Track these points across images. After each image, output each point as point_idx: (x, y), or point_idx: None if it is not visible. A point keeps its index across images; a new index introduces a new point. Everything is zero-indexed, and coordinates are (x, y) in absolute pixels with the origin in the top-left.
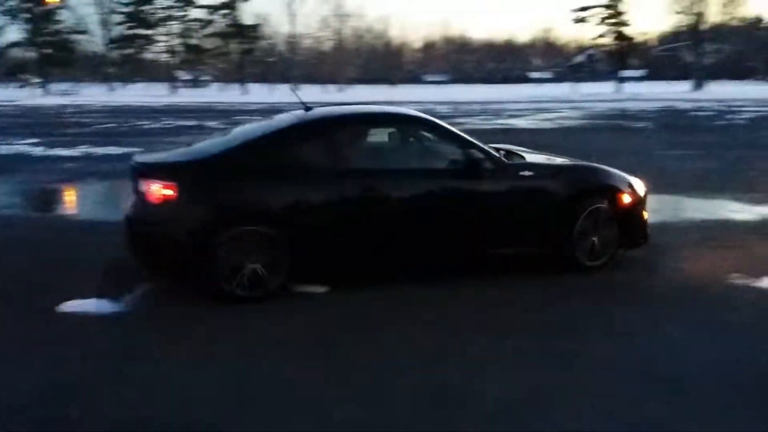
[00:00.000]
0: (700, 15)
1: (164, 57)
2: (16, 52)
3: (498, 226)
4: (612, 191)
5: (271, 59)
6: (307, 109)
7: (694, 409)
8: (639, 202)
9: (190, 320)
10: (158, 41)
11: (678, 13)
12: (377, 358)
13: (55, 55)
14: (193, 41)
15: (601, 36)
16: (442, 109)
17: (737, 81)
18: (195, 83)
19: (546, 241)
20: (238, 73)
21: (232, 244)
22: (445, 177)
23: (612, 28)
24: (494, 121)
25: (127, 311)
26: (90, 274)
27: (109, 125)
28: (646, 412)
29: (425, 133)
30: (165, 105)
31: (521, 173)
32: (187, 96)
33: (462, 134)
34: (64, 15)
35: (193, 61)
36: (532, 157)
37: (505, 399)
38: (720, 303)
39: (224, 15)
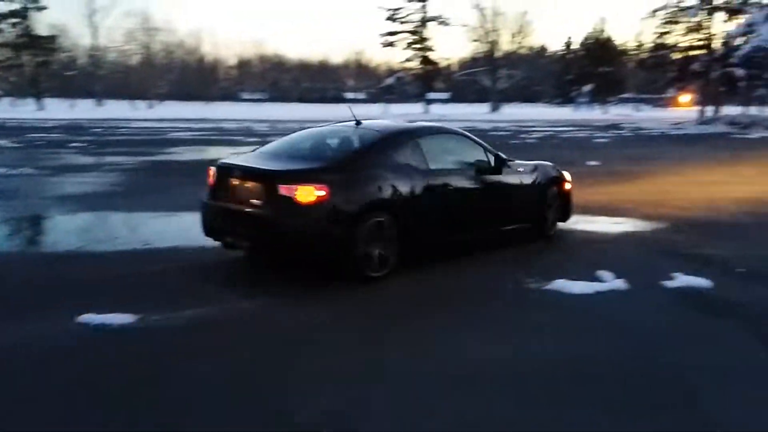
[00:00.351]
0: (494, 43)
1: None
2: None
3: (509, 208)
4: (560, 180)
5: (70, 73)
6: (358, 122)
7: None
8: (570, 189)
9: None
10: None
11: (474, 41)
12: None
13: None
14: None
15: (408, 60)
16: (260, 127)
17: (528, 104)
18: None
19: (529, 218)
20: (33, 87)
21: (367, 233)
22: (484, 173)
23: (418, 53)
24: None
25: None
26: None
27: None
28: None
29: (463, 142)
30: None
31: (518, 169)
32: None
33: (484, 143)
34: None
35: None
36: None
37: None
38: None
39: (14, 24)
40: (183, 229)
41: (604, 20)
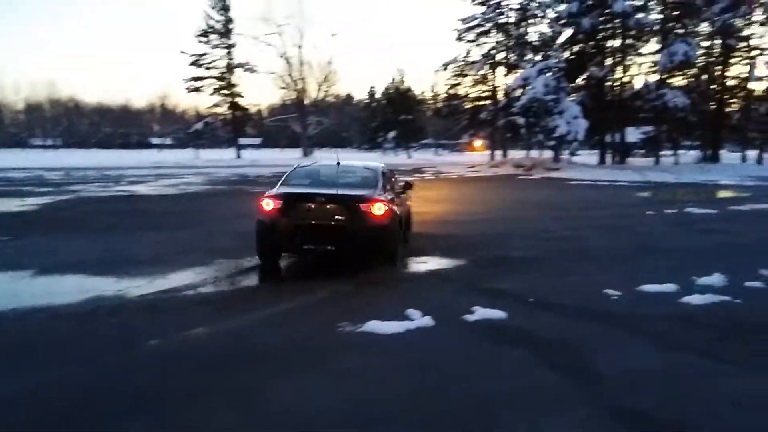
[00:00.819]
0: (302, 91)
1: None
2: None
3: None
4: (409, 185)
5: None
6: (338, 162)
7: None
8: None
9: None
10: None
11: (282, 88)
12: None
13: None
14: None
15: (216, 105)
16: (53, 176)
17: (339, 149)
18: None
19: None
20: None
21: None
22: (404, 190)
23: (226, 98)
24: (114, 188)
25: None
26: None
27: None
28: None
29: (392, 174)
30: None
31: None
32: None
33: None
34: None
35: None
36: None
37: None
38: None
39: None
40: None
41: (402, 71)
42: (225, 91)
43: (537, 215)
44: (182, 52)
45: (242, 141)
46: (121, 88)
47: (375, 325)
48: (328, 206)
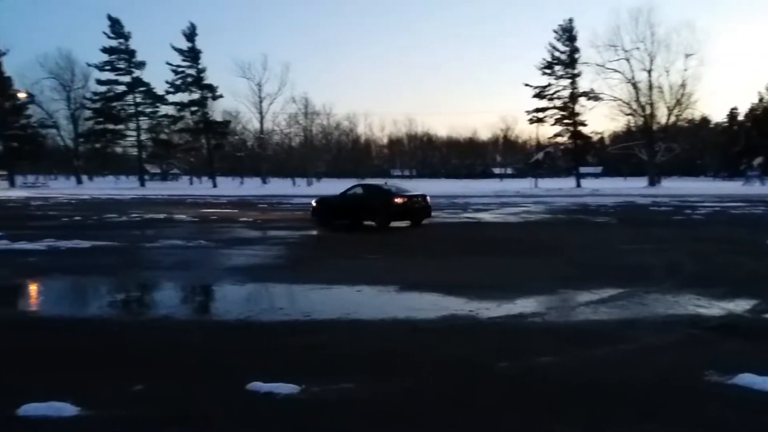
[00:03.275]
0: (650, 116)
1: (133, 151)
2: None
3: None
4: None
5: (240, 154)
6: (386, 183)
7: None
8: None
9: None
10: (128, 136)
11: (628, 114)
12: None
13: (23, 149)
14: (163, 136)
15: (558, 135)
16: None
17: (690, 177)
18: (164, 176)
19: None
20: (208, 167)
21: None
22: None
23: (567, 127)
24: (462, 215)
25: None
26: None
27: (76, 218)
28: None
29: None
30: (134, 197)
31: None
32: (157, 189)
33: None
34: (32, 110)
35: (162, 155)
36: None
37: None
38: None
39: (193, 112)
40: (339, 302)
41: None
42: (567, 121)
43: None
44: (526, 84)
45: (582, 170)
46: (467, 121)
47: (749, 379)
48: (414, 200)
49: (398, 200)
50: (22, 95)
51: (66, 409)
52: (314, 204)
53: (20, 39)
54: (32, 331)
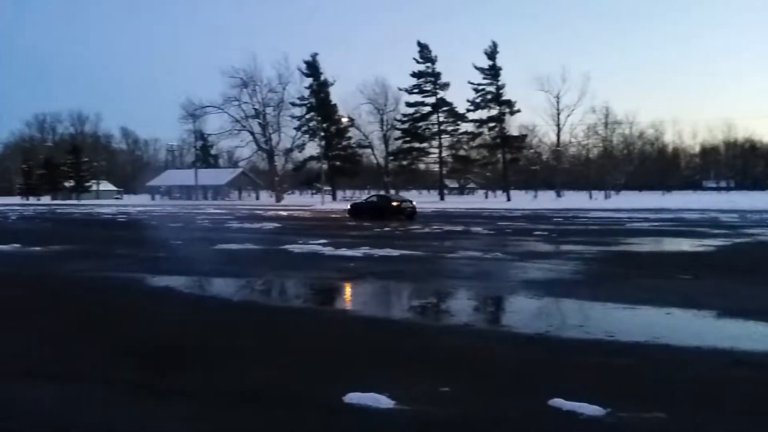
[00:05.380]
0: None
1: (435, 167)
2: (312, 165)
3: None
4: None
5: (534, 167)
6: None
7: None
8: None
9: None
10: (430, 153)
11: None
12: None
13: (344, 167)
14: (462, 152)
15: None
16: (727, 217)
17: None
18: (461, 190)
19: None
20: (502, 181)
21: None
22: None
23: None
24: None
25: None
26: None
27: (385, 228)
28: None
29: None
30: (434, 210)
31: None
32: (455, 202)
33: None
34: (351, 132)
35: (461, 171)
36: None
37: None
38: None
39: (491, 128)
40: (646, 324)
41: None
42: None
43: None
44: None
45: None
46: None
47: None
48: (403, 204)
49: (394, 203)
50: (344, 120)
51: (383, 401)
52: (349, 206)
53: (342, 70)
54: (350, 328)
